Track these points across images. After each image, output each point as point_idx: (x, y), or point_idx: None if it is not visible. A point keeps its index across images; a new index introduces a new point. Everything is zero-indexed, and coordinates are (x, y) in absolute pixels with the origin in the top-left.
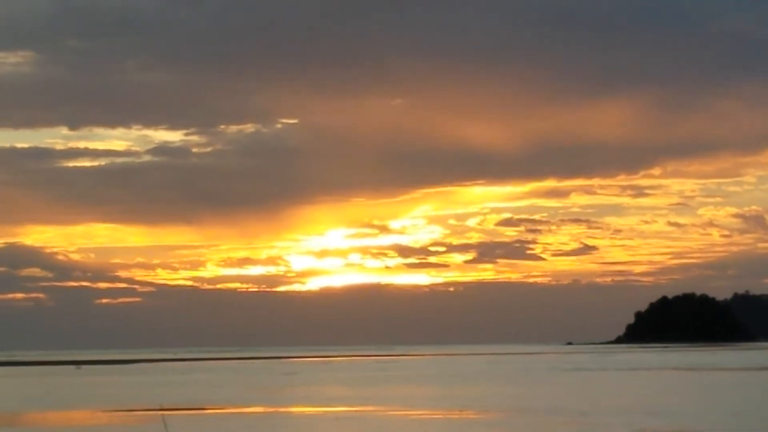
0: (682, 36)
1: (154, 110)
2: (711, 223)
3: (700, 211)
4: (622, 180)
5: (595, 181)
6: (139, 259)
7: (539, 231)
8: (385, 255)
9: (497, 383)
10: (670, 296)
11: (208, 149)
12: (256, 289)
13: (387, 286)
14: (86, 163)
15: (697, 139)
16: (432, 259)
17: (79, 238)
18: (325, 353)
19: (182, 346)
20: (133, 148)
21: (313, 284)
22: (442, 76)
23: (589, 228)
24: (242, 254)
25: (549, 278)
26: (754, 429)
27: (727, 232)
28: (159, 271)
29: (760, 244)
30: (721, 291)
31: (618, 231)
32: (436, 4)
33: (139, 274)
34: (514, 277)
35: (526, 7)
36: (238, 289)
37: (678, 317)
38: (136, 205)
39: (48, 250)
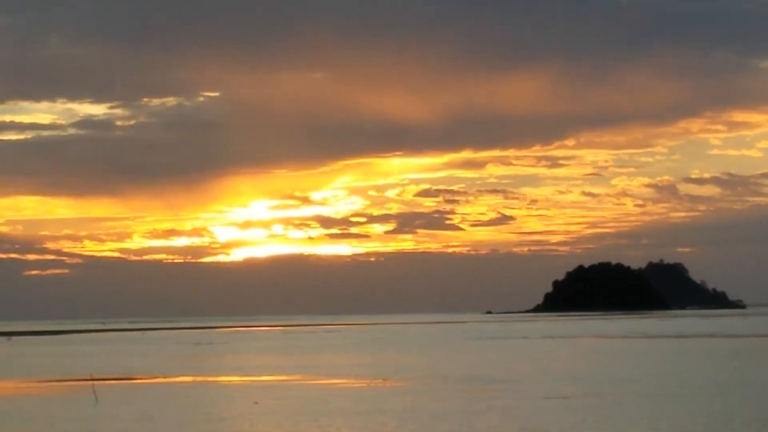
0: (595, 8)
1: (78, 84)
2: (624, 193)
3: (614, 182)
4: (537, 151)
5: (511, 152)
6: (67, 231)
7: (457, 201)
8: (308, 226)
9: (418, 352)
10: (586, 265)
11: (132, 122)
12: (181, 260)
13: (309, 256)
14: (12, 136)
15: (610, 110)
16: (353, 230)
17: (6, 211)
18: (249, 323)
19: (110, 316)
20: (58, 122)
21: (237, 255)
22: (362, 50)
23: (506, 198)
24: (167, 226)
25: (468, 248)
26: (667, 393)
27: (640, 202)
28: (86, 242)
29: (673, 214)
30: (635, 260)
31: (534, 201)
32: None
33: (66, 246)
34: (433, 247)
35: None
36: (164, 260)
37: (594, 286)
38: (63, 178)
39: None
